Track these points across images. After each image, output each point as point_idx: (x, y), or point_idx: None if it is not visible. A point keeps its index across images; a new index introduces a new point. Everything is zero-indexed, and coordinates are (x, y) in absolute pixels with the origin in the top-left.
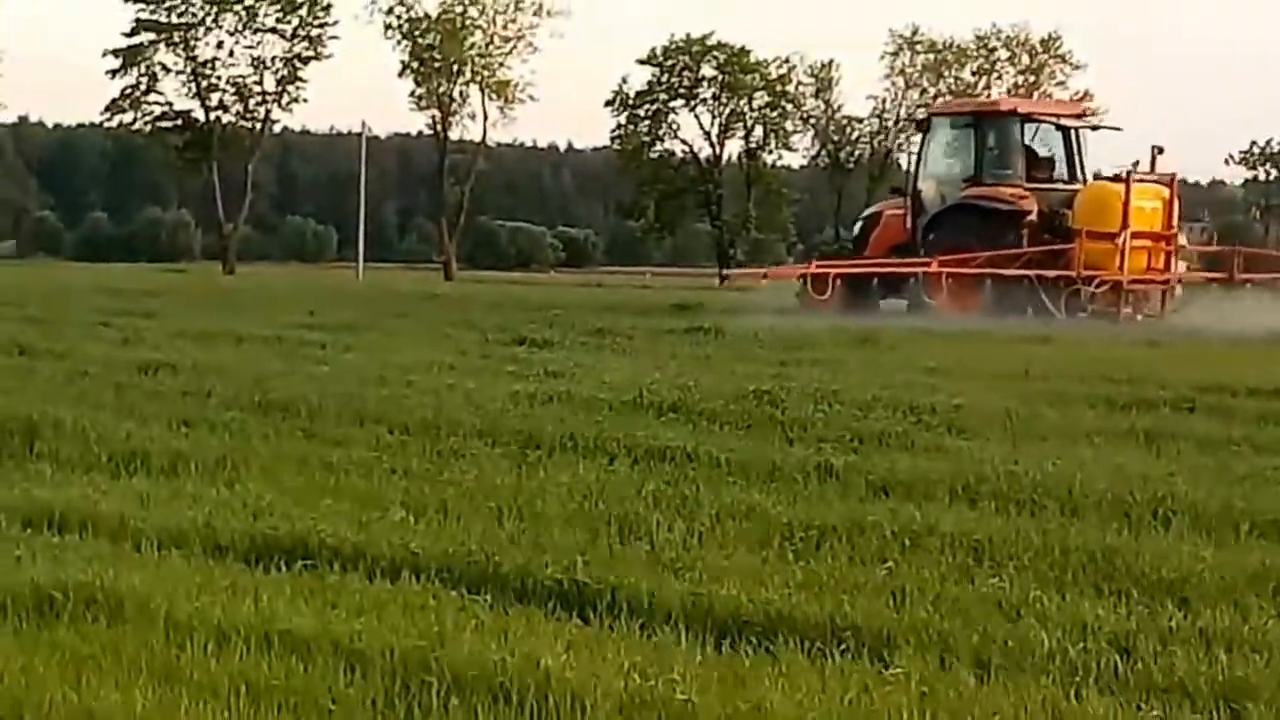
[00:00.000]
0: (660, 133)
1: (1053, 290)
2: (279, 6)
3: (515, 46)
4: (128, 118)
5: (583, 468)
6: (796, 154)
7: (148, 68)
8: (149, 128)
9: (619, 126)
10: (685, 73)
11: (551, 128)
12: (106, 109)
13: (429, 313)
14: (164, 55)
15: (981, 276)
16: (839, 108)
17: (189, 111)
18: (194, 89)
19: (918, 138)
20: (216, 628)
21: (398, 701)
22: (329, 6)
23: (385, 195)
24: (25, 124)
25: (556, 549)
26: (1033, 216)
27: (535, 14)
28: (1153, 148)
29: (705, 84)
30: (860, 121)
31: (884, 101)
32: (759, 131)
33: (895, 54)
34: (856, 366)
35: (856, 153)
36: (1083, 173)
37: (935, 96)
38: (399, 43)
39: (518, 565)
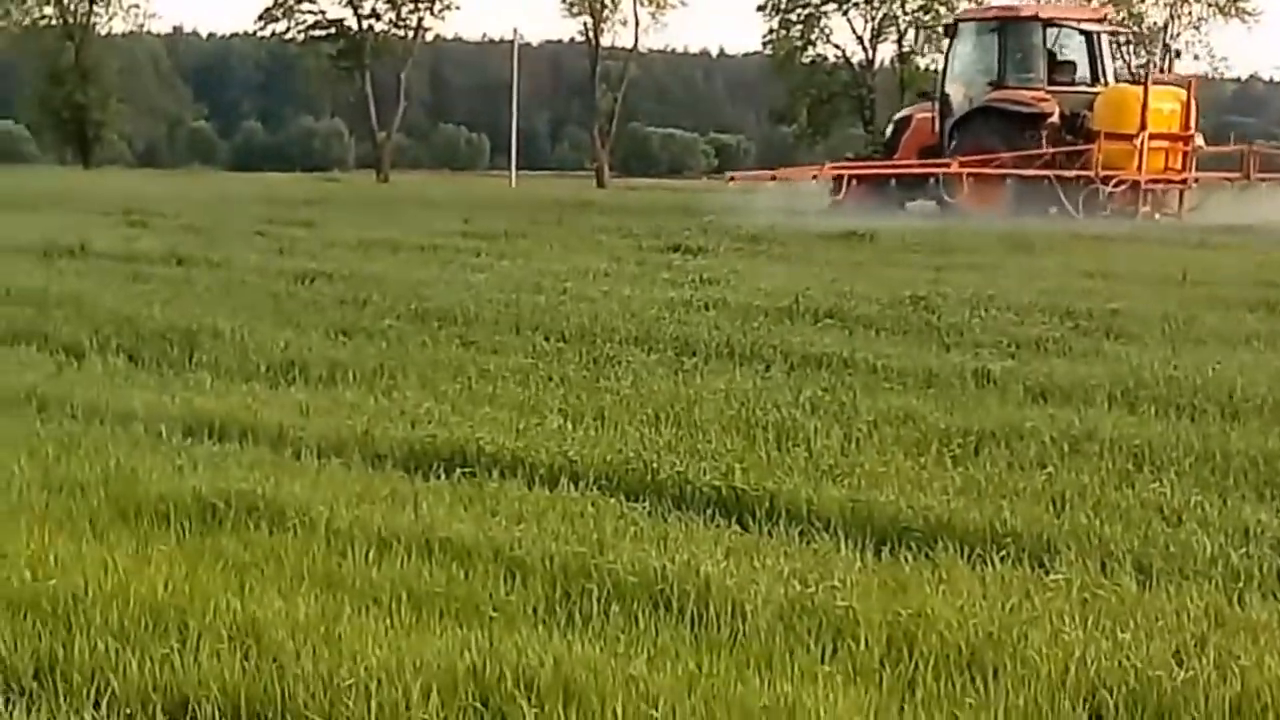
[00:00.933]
0: (813, 37)
1: (1071, 189)
2: None
3: None
4: (281, 27)
5: (739, 375)
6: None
7: None
8: (302, 37)
9: (771, 31)
10: None
11: (703, 33)
12: (260, 18)
13: (583, 220)
14: None
15: (1001, 176)
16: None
17: (342, 20)
18: None
19: (945, 42)
20: (377, 535)
21: (558, 608)
22: None
23: (537, 103)
24: (179, 34)
25: (714, 456)
26: (1054, 118)
27: None
28: (1166, 49)
29: None
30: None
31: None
32: (912, 35)
33: None
34: (1012, 271)
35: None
36: (1105, 76)
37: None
38: None
39: (675, 472)
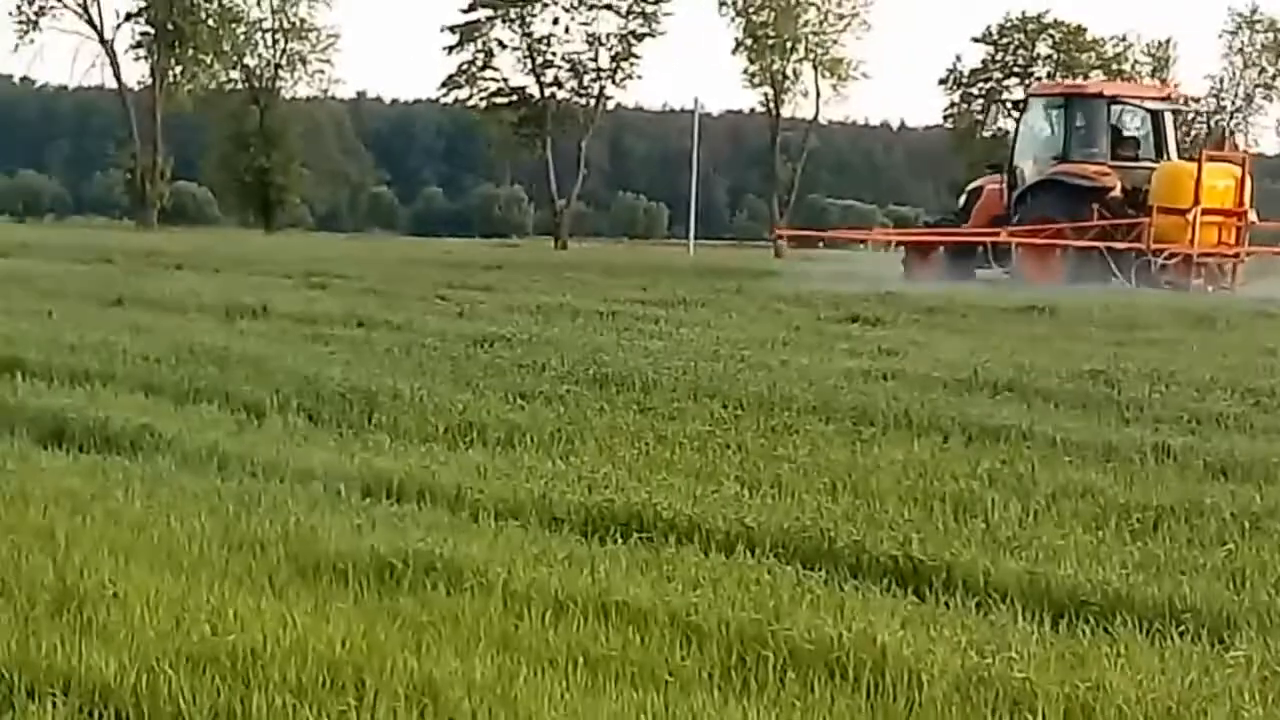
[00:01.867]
0: (993, 111)
1: (1124, 261)
2: None
3: (849, 24)
4: (463, 94)
5: (916, 445)
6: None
7: (484, 44)
8: (484, 104)
9: (952, 105)
10: (1020, 51)
11: (884, 105)
12: (443, 85)
13: (761, 288)
14: (500, 31)
15: (1054, 247)
16: (1176, 86)
17: (524, 88)
18: (529, 65)
19: (1016, 115)
20: (554, 598)
21: (734, 674)
22: None
23: (717, 173)
24: (363, 100)
25: (891, 525)
26: (1116, 192)
27: None
28: (1223, 129)
29: (1040, 62)
30: (1196, 101)
31: (1221, 81)
32: None
33: (1234, 33)
34: (1193, 347)
35: (1193, 132)
36: (1168, 151)
37: (1274, 76)
38: (733, 19)
39: (852, 541)
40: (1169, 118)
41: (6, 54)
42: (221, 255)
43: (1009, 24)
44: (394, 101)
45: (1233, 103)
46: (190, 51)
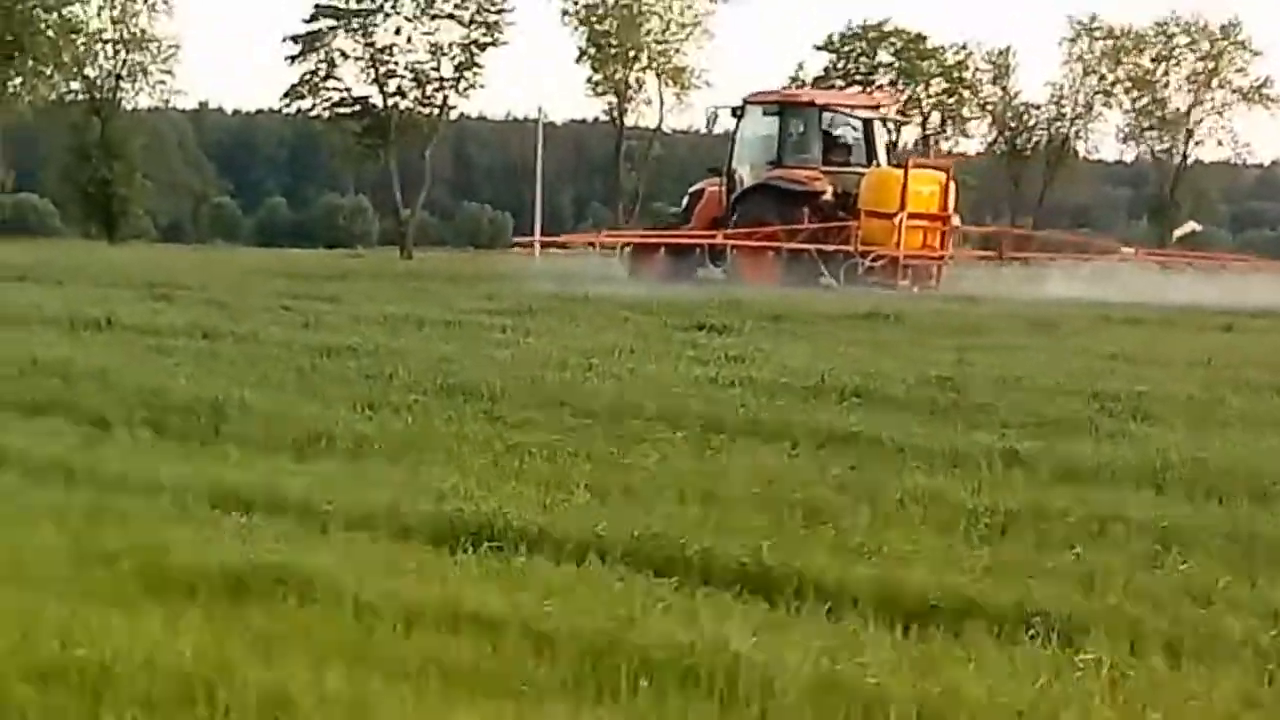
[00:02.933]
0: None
1: (833, 262)
2: None
3: (691, 32)
4: (306, 104)
5: (766, 452)
6: (973, 141)
7: (326, 54)
8: (327, 114)
9: None
10: (862, 59)
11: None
12: (285, 95)
13: (607, 297)
14: (343, 41)
15: (768, 248)
16: (1016, 94)
17: (367, 98)
18: (372, 75)
19: (732, 123)
20: (405, 609)
21: (588, 683)
22: None
23: (561, 181)
24: (204, 110)
25: (742, 533)
26: (827, 196)
27: (712, 0)
28: (927, 137)
29: (882, 70)
30: (1038, 108)
31: (1062, 88)
32: (936, 118)
33: (1073, 40)
34: (1037, 352)
35: (1034, 140)
36: (877, 158)
37: (1113, 83)
38: (576, 28)
39: (703, 548)
40: (878, 126)
41: None
42: (64, 267)
43: (850, 32)
44: (236, 112)
45: (1073, 109)
46: (29, 63)
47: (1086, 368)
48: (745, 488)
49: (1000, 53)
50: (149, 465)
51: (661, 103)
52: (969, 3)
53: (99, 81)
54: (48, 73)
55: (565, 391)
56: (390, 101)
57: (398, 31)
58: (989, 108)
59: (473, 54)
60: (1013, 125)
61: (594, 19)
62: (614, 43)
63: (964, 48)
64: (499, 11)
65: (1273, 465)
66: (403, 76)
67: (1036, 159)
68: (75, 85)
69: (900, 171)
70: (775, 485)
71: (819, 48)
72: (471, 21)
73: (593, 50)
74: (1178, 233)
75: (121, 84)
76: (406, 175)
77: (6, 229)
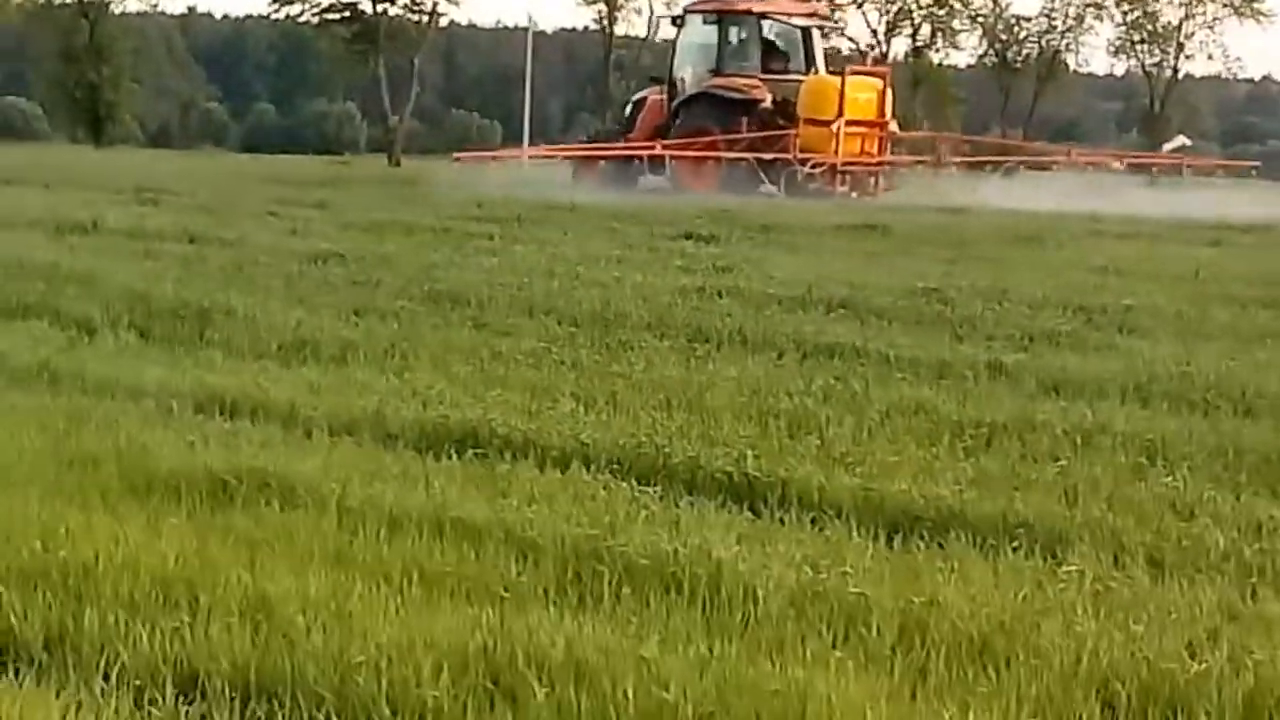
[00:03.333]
0: (825, 30)
1: (772, 170)
2: None
3: None
4: (295, 9)
5: (751, 362)
6: (964, 53)
7: None
8: (316, 20)
9: None
10: None
11: None
12: (274, 0)
13: (596, 206)
14: None
15: (707, 158)
16: (1007, 6)
17: (356, 3)
18: None
19: (673, 31)
20: (388, 514)
21: (569, 589)
22: None
23: (550, 90)
24: (193, 15)
25: (726, 442)
26: (766, 104)
27: None
28: (868, 45)
29: None
30: (1028, 20)
31: (1053, 1)
32: (926, 30)
33: None
34: (1023, 265)
35: (1024, 52)
36: (816, 66)
37: None
38: None
39: (688, 457)
40: (816, 34)
41: None
42: (51, 170)
43: None
44: (225, 17)
45: (1064, 22)
46: None
47: (1074, 281)
48: (730, 397)
49: None
50: (133, 369)
51: (651, 12)
52: None
53: None
54: None
55: (552, 300)
56: (379, 8)
57: None
58: (979, 20)
59: None
60: (1003, 38)
61: None
62: None
63: None
64: None
65: (1258, 379)
66: None
67: (1027, 72)
68: None
69: (838, 79)
70: (760, 395)
71: None
72: None
73: None
74: (1167, 147)
75: None
76: (395, 82)
77: None
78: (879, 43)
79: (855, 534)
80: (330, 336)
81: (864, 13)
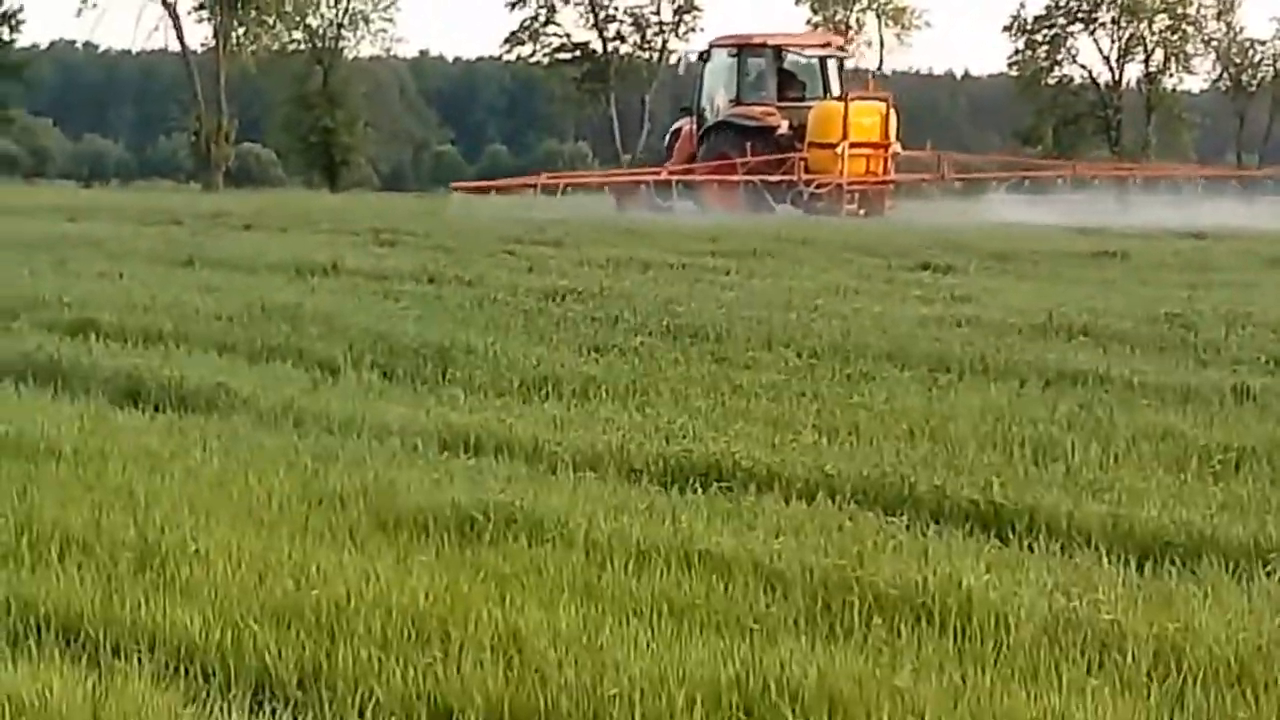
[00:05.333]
0: (1058, 58)
1: (779, 192)
2: None
3: None
4: (526, 50)
5: (994, 390)
6: (1197, 77)
7: (546, 0)
8: (547, 60)
9: (1016, 52)
10: None
11: (947, 54)
12: (505, 42)
13: (829, 237)
14: None
15: (725, 181)
16: (1241, 30)
17: (587, 43)
18: (591, 20)
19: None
20: (636, 548)
21: (819, 620)
22: None
23: None
24: (425, 58)
25: (971, 470)
26: (782, 130)
27: None
28: (870, 72)
29: (1104, 7)
30: (1263, 44)
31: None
32: (1159, 55)
33: None
34: (1269, 289)
35: (1259, 75)
36: (831, 93)
37: None
38: None
39: (933, 486)
40: (833, 64)
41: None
42: (288, 214)
43: None
44: (456, 59)
45: None
46: (253, 13)
47: None
48: (973, 426)
49: None
50: (378, 408)
51: (882, 44)
52: None
53: (321, 31)
54: (270, 22)
55: (791, 332)
56: (610, 46)
57: None
58: (1213, 44)
59: None
60: (1237, 61)
61: None
62: None
63: None
64: None
65: None
66: (622, 21)
67: (1262, 95)
68: (297, 35)
69: (842, 105)
70: (1004, 423)
71: None
72: None
73: None
74: None
75: (343, 33)
76: (626, 121)
77: (230, 179)
78: (1113, 69)
79: (1105, 561)
80: (571, 372)
81: (1095, 39)
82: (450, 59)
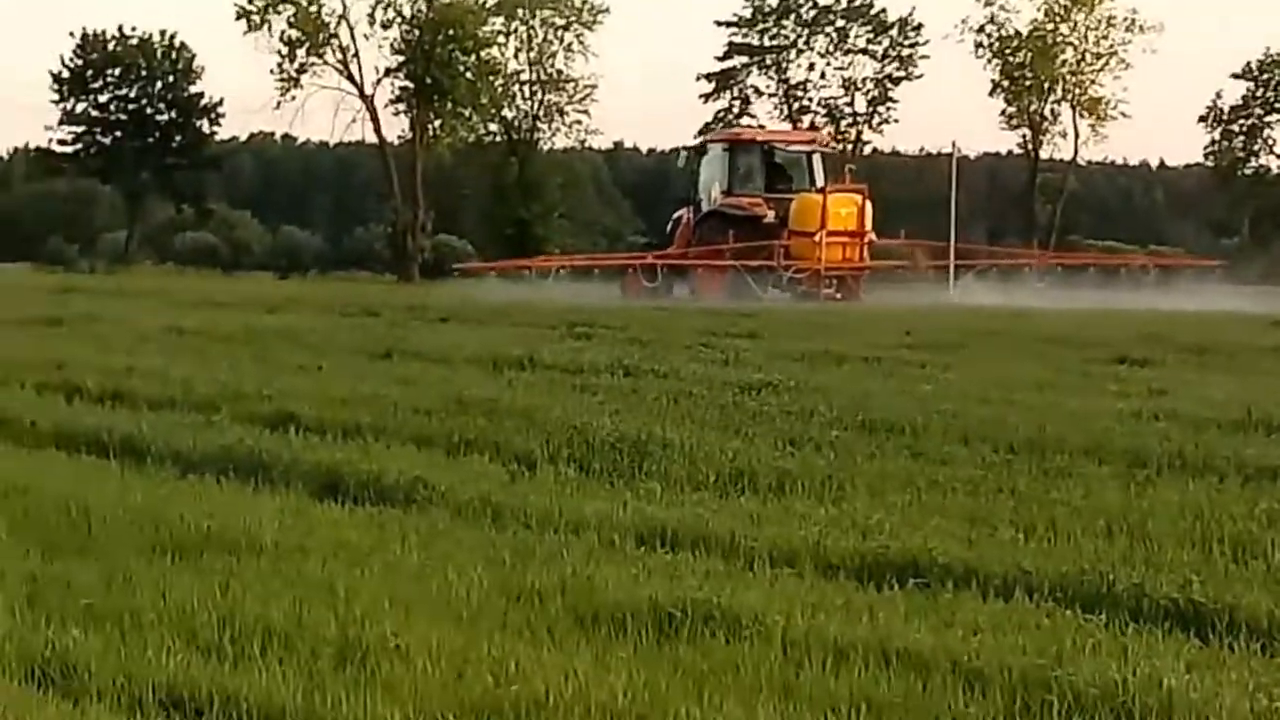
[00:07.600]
0: (1255, 148)
1: (759, 276)
2: (870, 28)
3: (1107, 63)
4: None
5: (1192, 486)
6: None
7: (740, 91)
8: None
9: (1212, 143)
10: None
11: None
12: (700, 133)
13: (1021, 329)
14: (756, 78)
15: (719, 266)
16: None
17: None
18: (785, 111)
19: (699, 159)
20: (833, 645)
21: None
22: (919, 26)
23: (975, 215)
24: (620, 149)
25: (1170, 568)
26: (768, 219)
27: (1128, 29)
28: (846, 167)
29: None
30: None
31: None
32: None
33: None
34: None
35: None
36: (815, 185)
37: None
38: (989, 61)
39: (1132, 584)
40: (818, 157)
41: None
42: (485, 307)
43: (1269, 59)
44: (650, 151)
45: None
46: (449, 105)
47: None
48: (1172, 522)
49: None
50: (574, 502)
51: (1076, 134)
52: None
53: (516, 122)
54: (466, 114)
55: (986, 426)
56: None
57: (811, 67)
58: None
59: (886, 88)
60: None
61: (1008, 51)
62: (1028, 75)
63: None
64: (912, 46)
65: None
66: (816, 112)
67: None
68: (493, 126)
69: (820, 196)
70: (1203, 520)
71: (1237, 76)
72: (885, 56)
73: (1006, 83)
74: None
75: (539, 124)
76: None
77: (427, 270)
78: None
79: None
80: (766, 467)
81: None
82: (644, 150)
